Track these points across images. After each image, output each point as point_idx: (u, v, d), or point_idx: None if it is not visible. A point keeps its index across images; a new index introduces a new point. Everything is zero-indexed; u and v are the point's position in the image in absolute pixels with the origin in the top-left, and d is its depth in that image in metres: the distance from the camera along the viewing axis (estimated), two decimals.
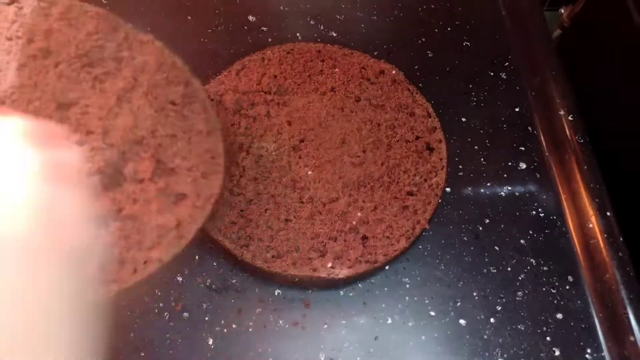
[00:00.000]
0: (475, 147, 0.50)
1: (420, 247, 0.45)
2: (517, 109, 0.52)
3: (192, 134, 0.36)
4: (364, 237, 0.42)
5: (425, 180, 0.45)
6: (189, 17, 0.55)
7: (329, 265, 0.41)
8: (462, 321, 0.42)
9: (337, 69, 0.50)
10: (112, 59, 0.35)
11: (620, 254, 0.45)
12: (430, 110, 0.49)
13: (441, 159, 0.47)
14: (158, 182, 0.33)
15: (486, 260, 0.45)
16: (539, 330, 0.42)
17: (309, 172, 0.45)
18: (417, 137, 0.48)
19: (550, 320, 0.43)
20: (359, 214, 0.43)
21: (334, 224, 0.43)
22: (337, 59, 0.51)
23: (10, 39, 0.34)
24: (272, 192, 0.43)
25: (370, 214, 0.43)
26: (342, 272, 0.41)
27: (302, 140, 0.46)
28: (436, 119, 0.49)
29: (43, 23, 0.34)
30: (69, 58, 0.34)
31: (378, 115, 0.48)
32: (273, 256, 0.41)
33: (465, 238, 0.45)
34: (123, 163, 0.33)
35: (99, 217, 0.30)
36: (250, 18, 0.56)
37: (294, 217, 0.43)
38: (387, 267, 0.43)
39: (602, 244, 0.46)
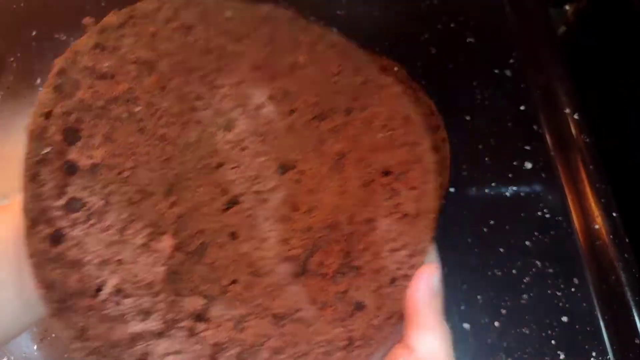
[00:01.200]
0: (480, 146, 0.49)
1: None
2: (522, 107, 0.51)
3: (394, 218, 0.26)
4: None
5: None
6: None
7: None
8: (465, 325, 0.41)
9: None
10: (343, 111, 0.27)
11: (626, 255, 0.45)
12: (434, 108, 0.48)
13: (445, 159, 0.46)
14: (340, 283, 0.26)
15: (490, 262, 0.44)
16: (543, 334, 0.41)
17: None
18: None
19: (555, 324, 0.42)
20: None
21: None
22: None
23: (258, 67, 0.27)
24: None
25: None
26: None
27: None
28: (439, 117, 0.48)
29: (291, 54, 0.27)
30: (304, 105, 0.27)
31: None
32: None
33: (469, 239, 0.45)
34: (314, 251, 0.26)
35: (277, 314, 0.25)
36: None
37: None
38: None
39: (608, 245, 0.45)
